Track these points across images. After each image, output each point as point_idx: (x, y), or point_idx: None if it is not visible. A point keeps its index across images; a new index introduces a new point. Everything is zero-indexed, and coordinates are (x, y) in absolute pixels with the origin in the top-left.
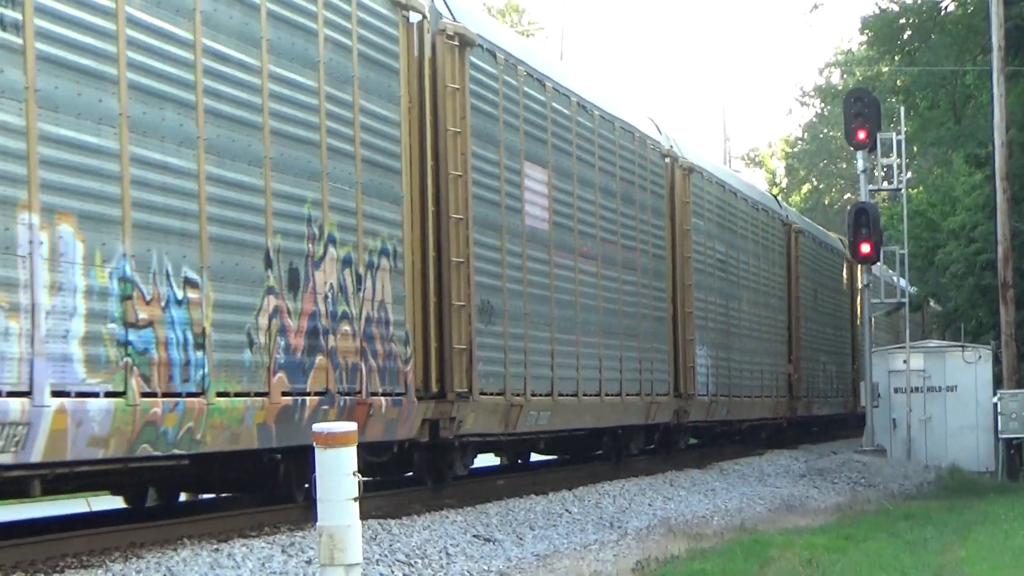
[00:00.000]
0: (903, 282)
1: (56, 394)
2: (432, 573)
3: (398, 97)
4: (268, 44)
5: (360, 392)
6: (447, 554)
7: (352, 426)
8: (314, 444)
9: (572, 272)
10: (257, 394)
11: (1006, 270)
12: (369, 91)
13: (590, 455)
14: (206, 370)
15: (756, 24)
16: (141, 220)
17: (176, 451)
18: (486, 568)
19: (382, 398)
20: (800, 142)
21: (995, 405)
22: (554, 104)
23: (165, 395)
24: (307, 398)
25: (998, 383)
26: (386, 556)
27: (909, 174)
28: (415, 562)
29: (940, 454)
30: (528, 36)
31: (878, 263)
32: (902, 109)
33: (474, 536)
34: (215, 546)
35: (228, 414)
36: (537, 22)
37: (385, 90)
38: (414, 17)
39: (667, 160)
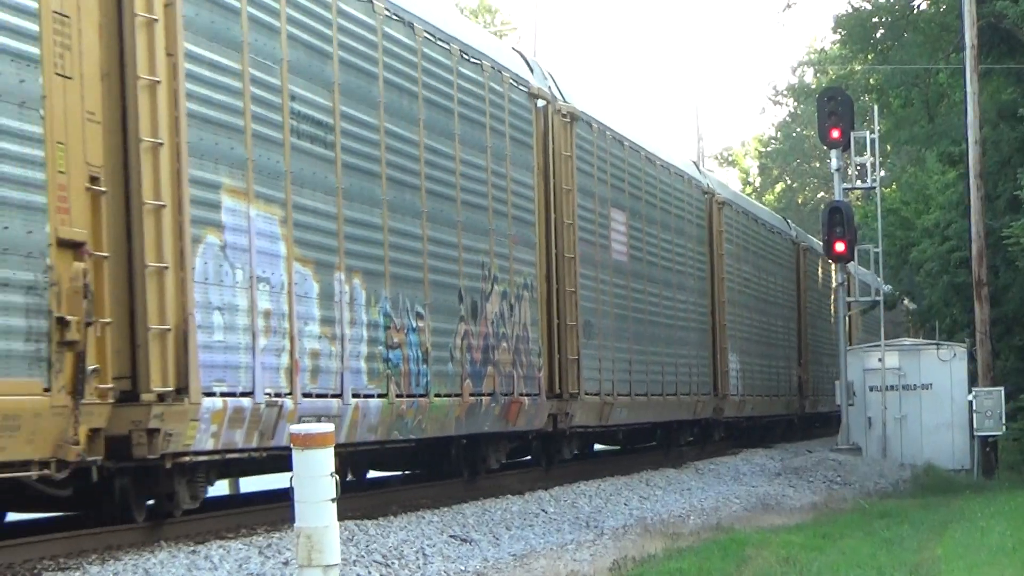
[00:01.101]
0: (878, 280)
1: (353, 396)
2: (409, 573)
3: (532, 166)
4: (459, 137)
5: (512, 393)
6: (424, 554)
7: (329, 427)
8: (291, 446)
9: (643, 295)
10: (455, 395)
11: (980, 268)
12: (515, 164)
13: (643, 446)
14: (428, 378)
15: (729, 23)
16: (394, 273)
17: (411, 436)
18: (463, 568)
19: (525, 398)
20: (773, 141)
21: (970, 403)
22: (630, 160)
23: (407, 396)
24: (483, 398)
25: (973, 381)
26: (363, 557)
27: (883, 172)
28: (392, 563)
29: (916, 452)
30: (501, 37)
31: (852, 262)
32: (875, 108)
33: (451, 536)
34: (192, 548)
35: (440, 410)
36: (510, 22)
37: (525, 161)
38: (540, 103)
39: (707, 196)
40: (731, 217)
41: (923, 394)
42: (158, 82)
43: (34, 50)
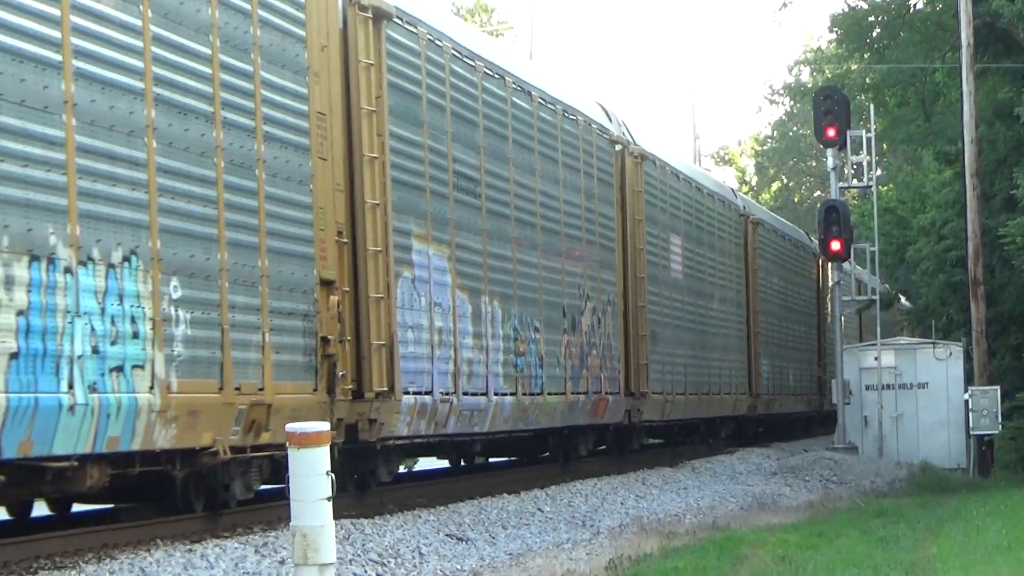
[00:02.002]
0: (874, 279)
1: (494, 394)
2: (405, 573)
3: (613, 201)
4: (562, 181)
5: (600, 392)
6: (420, 553)
7: (325, 426)
8: (287, 445)
9: (694, 307)
10: (560, 394)
11: (976, 267)
12: (601, 200)
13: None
14: (543, 380)
15: (725, 22)
16: (520, 295)
17: (531, 427)
18: (459, 567)
19: (609, 396)
20: (770, 140)
21: (966, 402)
22: (683, 190)
23: (528, 395)
24: (580, 396)
25: (969, 380)
26: (359, 556)
27: (879, 171)
28: (388, 562)
29: (911, 451)
30: (497, 36)
31: (848, 260)
32: (872, 107)
33: (447, 535)
34: (188, 547)
35: (551, 406)
36: (507, 21)
37: (607, 197)
38: (618, 147)
39: (742, 217)
40: (763, 235)
41: (919, 393)
42: (375, 158)
43: (306, 142)
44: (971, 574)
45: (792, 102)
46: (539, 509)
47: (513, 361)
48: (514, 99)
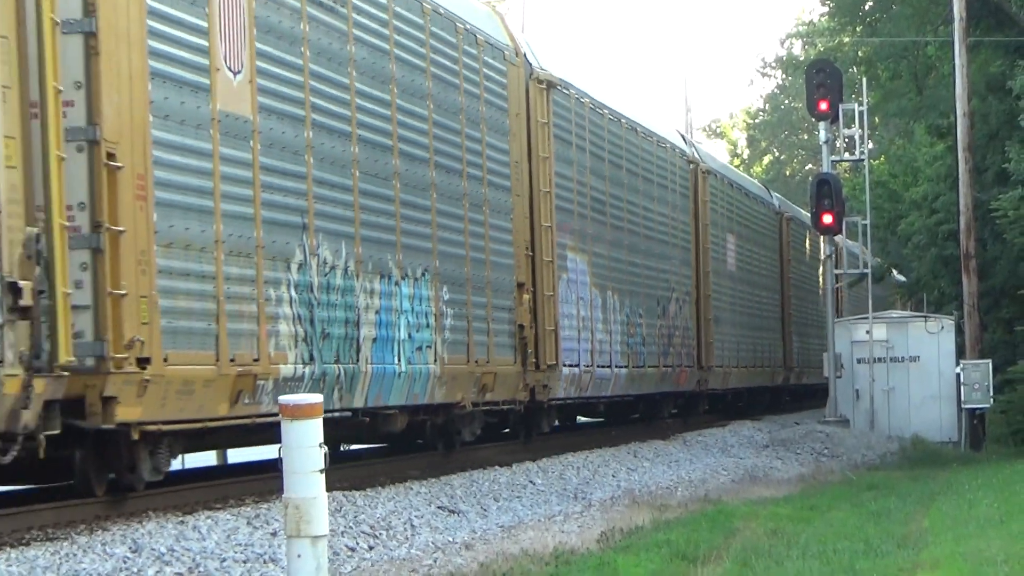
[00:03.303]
0: (866, 253)
1: (616, 367)
2: (397, 544)
3: (689, 210)
4: (657, 198)
5: (681, 366)
6: (412, 526)
7: (318, 398)
8: (280, 416)
9: (743, 294)
10: (655, 367)
11: (968, 241)
12: (680, 209)
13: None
14: (645, 356)
15: None
16: (631, 290)
17: (637, 392)
18: (451, 539)
19: (687, 368)
20: (761, 113)
21: (958, 376)
22: (737, 197)
23: (635, 367)
24: (667, 368)
25: (961, 353)
26: (351, 528)
27: (871, 145)
28: (380, 534)
29: (903, 425)
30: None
31: (840, 234)
32: (864, 80)
33: (438, 508)
34: (180, 518)
35: (650, 376)
36: None
37: (685, 207)
38: (692, 166)
39: (777, 215)
40: (794, 230)
41: (911, 366)
42: (547, 192)
43: (508, 184)
44: (963, 547)
45: (784, 75)
46: (531, 482)
47: (627, 341)
48: (627, 136)
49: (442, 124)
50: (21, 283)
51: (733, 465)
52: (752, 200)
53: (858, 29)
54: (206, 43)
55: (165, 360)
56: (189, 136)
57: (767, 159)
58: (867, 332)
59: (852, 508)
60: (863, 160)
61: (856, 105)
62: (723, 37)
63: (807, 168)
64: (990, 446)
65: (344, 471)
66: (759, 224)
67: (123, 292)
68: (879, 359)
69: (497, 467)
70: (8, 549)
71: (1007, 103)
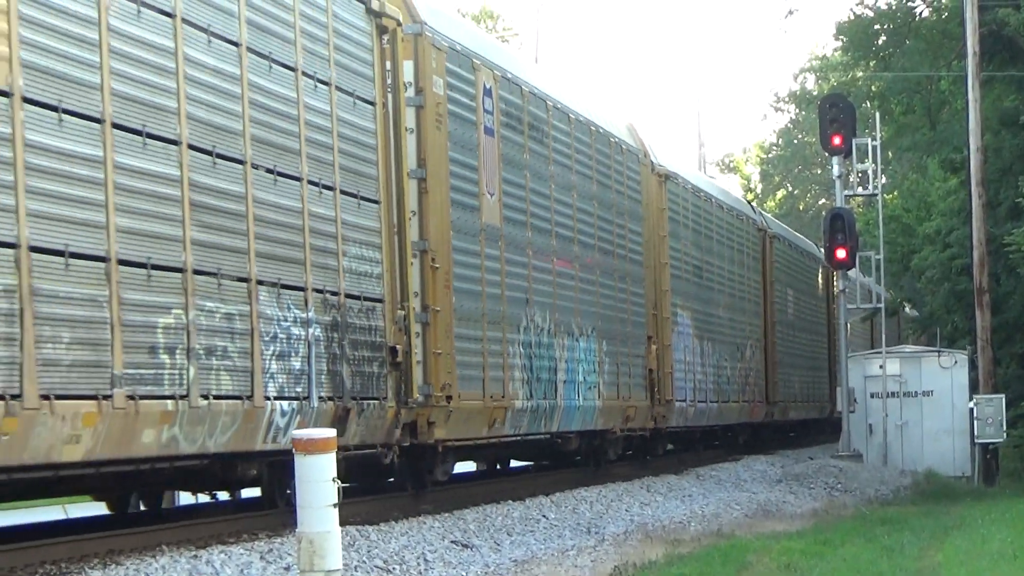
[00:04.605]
0: (879, 287)
1: (711, 402)
2: None
3: (760, 271)
4: (737, 261)
5: (754, 400)
6: (425, 560)
7: (331, 432)
8: (293, 451)
9: (799, 339)
10: (736, 402)
11: (982, 275)
12: (754, 271)
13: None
14: (730, 392)
15: (731, 29)
16: (720, 339)
17: (723, 423)
18: (464, 574)
19: (758, 402)
20: (775, 148)
21: (971, 410)
22: (795, 256)
23: (722, 402)
24: (745, 403)
25: (974, 388)
26: (364, 562)
27: (884, 179)
28: (393, 568)
29: (916, 459)
30: (504, 42)
31: (854, 268)
32: (877, 114)
33: (452, 542)
34: (194, 553)
35: (733, 408)
36: (512, 28)
37: (757, 268)
38: (761, 232)
39: (823, 268)
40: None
41: (924, 401)
42: (666, 263)
43: (641, 259)
44: None
45: (797, 110)
46: (544, 516)
47: (717, 380)
48: (716, 212)
49: (603, 217)
50: (397, 347)
51: (746, 499)
52: (804, 256)
53: (871, 64)
54: (476, 177)
55: (459, 397)
56: (469, 242)
57: (780, 194)
58: (880, 367)
59: (865, 543)
60: (876, 195)
61: (869, 140)
62: (737, 72)
63: (820, 203)
64: (1003, 481)
65: (357, 505)
66: (809, 276)
67: (439, 352)
68: (892, 393)
69: (511, 501)
70: None
71: (1020, 137)
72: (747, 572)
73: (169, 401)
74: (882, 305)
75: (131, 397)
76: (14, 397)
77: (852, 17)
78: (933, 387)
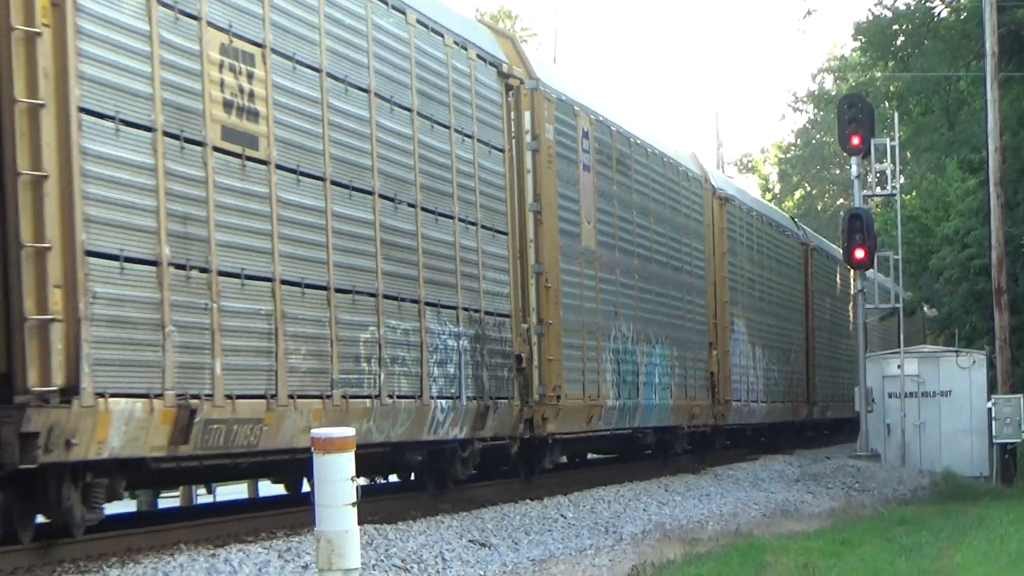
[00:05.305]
0: (897, 287)
1: (761, 402)
2: None
3: (803, 283)
4: (782, 267)
5: (796, 400)
6: (443, 559)
7: (350, 431)
8: (312, 449)
9: (834, 344)
10: (781, 402)
11: (1000, 275)
12: (798, 282)
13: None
14: (777, 393)
15: (749, 29)
16: (768, 343)
17: (772, 421)
18: (482, 573)
19: (801, 403)
20: (793, 148)
21: (989, 410)
22: (830, 264)
23: (770, 402)
24: (789, 403)
25: (992, 388)
26: (382, 561)
27: (902, 179)
28: (411, 567)
29: (934, 459)
30: (523, 42)
31: (872, 268)
32: (896, 115)
33: (470, 541)
34: (211, 551)
35: (780, 408)
36: (530, 28)
37: (800, 279)
38: (803, 247)
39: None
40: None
41: (942, 401)
42: (724, 277)
43: (703, 273)
44: None
45: (816, 110)
46: (562, 515)
47: (767, 382)
48: (766, 230)
49: (673, 237)
50: (521, 355)
51: (764, 499)
52: (838, 264)
53: (890, 64)
54: (577, 208)
55: (566, 396)
56: (572, 264)
57: (798, 194)
58: (898, 367)
59: (883, 542)
60: (895, 195)
61: (888, 140)
62: (755, 72)
63: (839, 203)
64: (1021, 481)
65: (375, 504)
66: (841, 283)
67: (551, 358)
68: (910, 394)
69: (528, 500)
70: None
71: None
72: (765, 572)
73: (367, 400)
74: (900, 305)
75: (344, 397)
76: (271, 397)
77: (871, 17)
78: (951, 387)
